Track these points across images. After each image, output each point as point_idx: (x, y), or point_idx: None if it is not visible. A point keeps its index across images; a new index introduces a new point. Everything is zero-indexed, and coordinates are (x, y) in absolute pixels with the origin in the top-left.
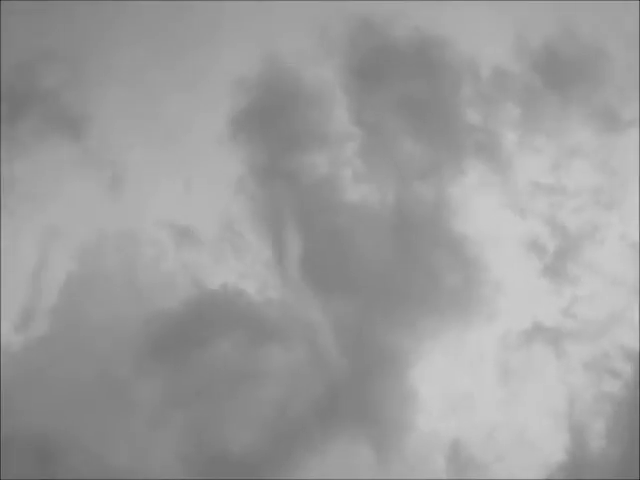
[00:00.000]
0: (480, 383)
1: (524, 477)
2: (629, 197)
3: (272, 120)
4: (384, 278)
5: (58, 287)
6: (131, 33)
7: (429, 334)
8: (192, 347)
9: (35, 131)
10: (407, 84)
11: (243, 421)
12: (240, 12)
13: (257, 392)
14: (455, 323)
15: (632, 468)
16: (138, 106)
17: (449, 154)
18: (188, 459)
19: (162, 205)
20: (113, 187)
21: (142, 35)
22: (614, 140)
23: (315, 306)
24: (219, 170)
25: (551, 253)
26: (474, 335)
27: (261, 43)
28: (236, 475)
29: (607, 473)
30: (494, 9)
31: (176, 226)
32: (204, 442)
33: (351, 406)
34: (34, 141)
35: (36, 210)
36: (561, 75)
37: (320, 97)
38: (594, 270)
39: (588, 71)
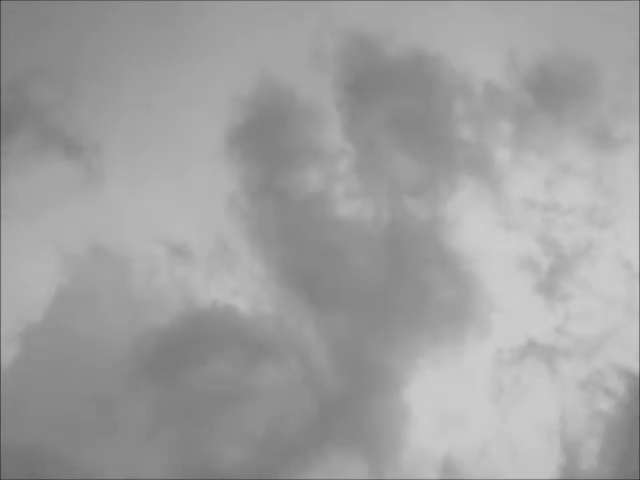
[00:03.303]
0: (473, 400)
1: None
2: (622, 215)
3: (266, 136)
4: (377, 294)
5: (48, 301)
6: (127, 50)
7: (422, 351)
8: (184, 363)
9: (29, 146)
10: (400, 101)
11: (235, 438)
12: (235, 30)
13: (249, 409)
14: (448, 340)
15: None
16: (133, 123)
17: (442, 170)
18: (178, 475)
19: (155, 221)
20: (106, 202)
21: (138, 52)
22: (607, 158)
23: (308, 323)
24: (212, 186)
25: (544, 270)
26: (467, 352)
27: (255, 60)
28: None
29: None
30: (487, 27)
31: (169, 242)
32: (195, 459)
33: (344, 423)
34: (27, 156)
35: (28, 224)
36: (554, 93)
37: (313, 114)
38: (587, 288)
39: (581, 89)
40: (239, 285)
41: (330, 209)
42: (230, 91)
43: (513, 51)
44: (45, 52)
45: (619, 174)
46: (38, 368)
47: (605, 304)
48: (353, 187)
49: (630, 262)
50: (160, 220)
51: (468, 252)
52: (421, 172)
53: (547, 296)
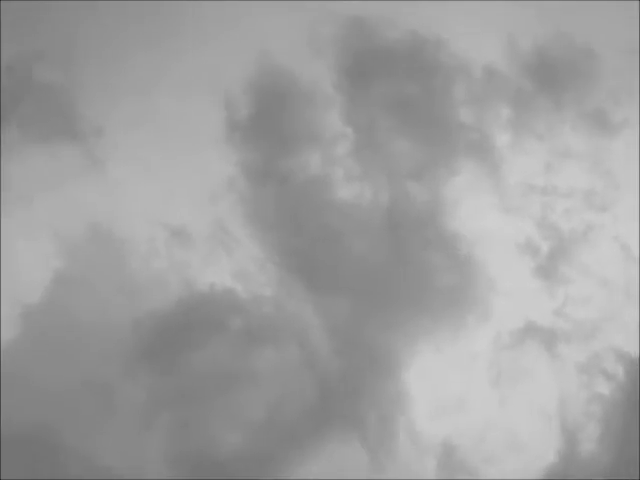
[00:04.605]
0: (472, 384)
1: (515, 479)
2: (621, 199)
3: (265, 120)
4: (376, 278)
5: (46, 283)
6: (125, 35)
7: (421, 334)
8: (182, 347)
9: (28, 129)
10: (399, 84)
11: (233, 422)
12: (233, 14)
13: (247, 393)
14: (447, 323)
15: (623, 471)
16: (131, 106)
17: (441, 154)
18: (177, 460)
19: (154, 204)
20: (104, 185)
21: (136, 37)
22: (606, 142)
23: (307, 306)
24: (211, 169)
25: (544, 254)
26: (466, 335)
27: (254, 44)
28: (225, 476)
29: (598, 476)
30: (486, 10)
31: (168, 225)
32: (193, 443)
33: (343, 407)
34: (27, 139)
35: (27, 206)
36: (553, 77)
37: (312, 97)
38: (586, 271)
39: (580, 73)
40: (238, 268)
41: (329, 192)
42: (230, 75)
43: (512, 35)
44: (46, 35)
45: (618, 158)
46: (36, 351)
47: (604, 287)
48: (352, 170)
49: (629, 245)
50: (159, 203)
51: (467, 235)
52: (420, 155)
53: (546, 279)
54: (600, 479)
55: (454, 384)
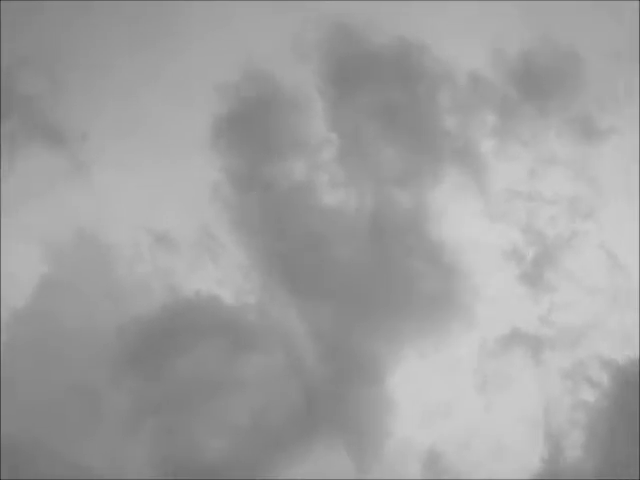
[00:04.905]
0: (457, 390)
1: None
2: (606, 205)
3: (249, 126)
4: (361, 284)
5: (32, 289)
6: (112, 39)
7: (406, 341)
8: (168, 353)
9: (13, 135)
10: (384, 90)
11: (218, 428)
12: (218, 20)
13: (233, 399)
14: (432, 329)
15: (608, 477)
16: (116, 111)
17: (426, 161)
18: (162, 465)
19: (139, 209)
20: (90, 190)
21: (123, 42)
22: (591, 149)
23: (292, 312)
24: (196, 175)
25: (529, 260)
26: (452, 342)
27: (238, 50)
28: None
29: None
30: (472, 17)
31: (153, 231)
32: (179, 448)
33: (328, 413)
34: (12, 145)
35: (13, 212)
36: (538, 83)
37: (297, 103)
38: (572, 278)
39: (565, 80)
40: (223, 274)
41: (314, 198)
42: (214, 81)
43: (498, 42)
44: (30, 41)
45: (603, 165)
46: (20, 356)
47: (589, 294)
48: (337, 176)
49: (613, 252)
50: (144, 209)
51: (452, 242)
52: (405, 162)
53: (531, 286)
54: None
55: (439, 390)
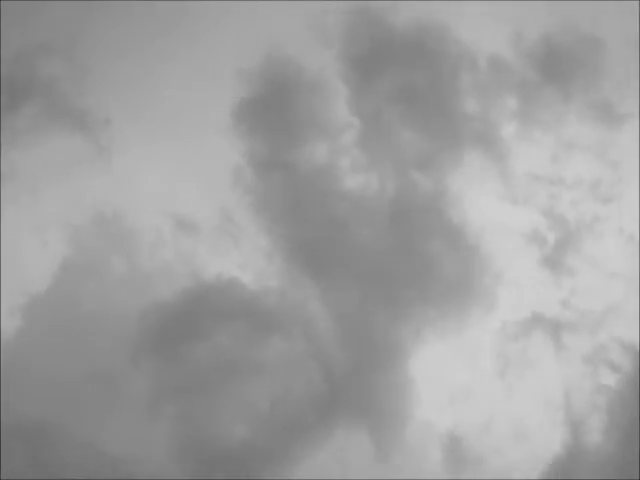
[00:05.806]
0: (478, 374)
1: (520, 469)
2: (627, 190)
3: (271, 110)
4: (383, 268)
5: (52, 273)
6: (134, 23)
7: (427, 324)
8: (188, 337)
9: (34, 121)
10: (405, 74)
11: (239, 413)
12: (240, 4)
13: (253, 383)
14: (454, 313)
15: (628, 462)
16: (138, 96)
17: (447, 144)
18: (182, 450)
19: (160, 193)
20: (111, 175)
21: (145, 25)
22: (612, 133)
23: (313, 296)
24: (218, 160)
25: (550, 244)
26: (472, 326)
27: (261, 34)
28: (231, 467)
29: (603, 467)
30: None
31: (174, 215)
32: (199, 433)
33: (349, 397)
34: (33, 130)
35: (33, 197)
36: (559, 67)
37: (319, 87)
38: (593, 262)
39: (586, 63)
40: (244, 258)
41: (335, 182)
42: (236, 64)
43: (519, 25)
44: (52, 26)
45: (624, 149)
46: (41, 341)
47: (610, 278)
48: (358, 160)
49: (633, 236)
50: (166, 193)
51: (474, 226)
52: (426, 145)
53: (552, 270)
54: (604, 471)
55: (460, 374)
